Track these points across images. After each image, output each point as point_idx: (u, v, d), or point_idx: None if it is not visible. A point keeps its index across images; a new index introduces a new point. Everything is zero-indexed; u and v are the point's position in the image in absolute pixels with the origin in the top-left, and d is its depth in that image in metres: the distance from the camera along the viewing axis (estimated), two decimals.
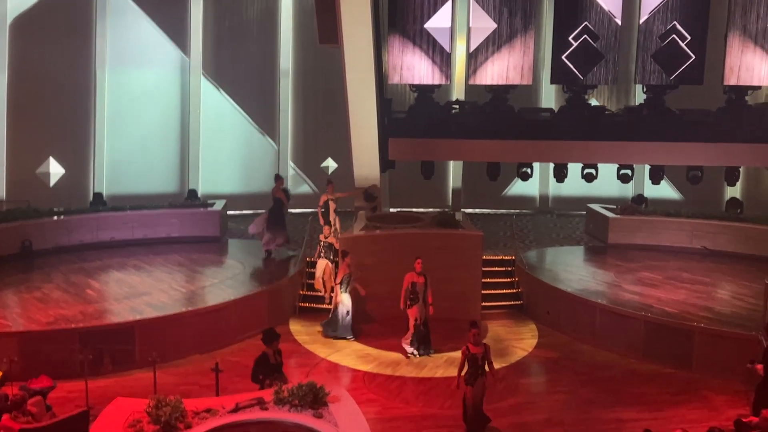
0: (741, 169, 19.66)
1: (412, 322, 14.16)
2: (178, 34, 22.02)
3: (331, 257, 16.24)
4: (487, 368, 11.20)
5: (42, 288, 15.56)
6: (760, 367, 10.88)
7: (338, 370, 13.75)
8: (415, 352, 14.22)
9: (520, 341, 15.25)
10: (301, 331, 15.52)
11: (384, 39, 17.91)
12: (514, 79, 17.75)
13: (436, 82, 17.98)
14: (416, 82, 18.08)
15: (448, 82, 18.17)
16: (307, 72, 23.04)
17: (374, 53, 17.17)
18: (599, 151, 18.22)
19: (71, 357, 12.49)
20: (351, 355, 14.47)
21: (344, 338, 15.07)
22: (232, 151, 22.88)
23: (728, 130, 17.74)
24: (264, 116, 22.97)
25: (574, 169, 19.18)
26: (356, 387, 12.87)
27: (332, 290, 15.67)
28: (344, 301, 15.11)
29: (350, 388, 12.07)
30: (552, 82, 19.06)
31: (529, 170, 19.33)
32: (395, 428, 11.24)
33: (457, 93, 21.54)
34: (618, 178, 19.31)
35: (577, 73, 17.57)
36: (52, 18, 20.77)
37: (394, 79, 18.01)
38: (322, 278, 16.26)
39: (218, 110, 22.65)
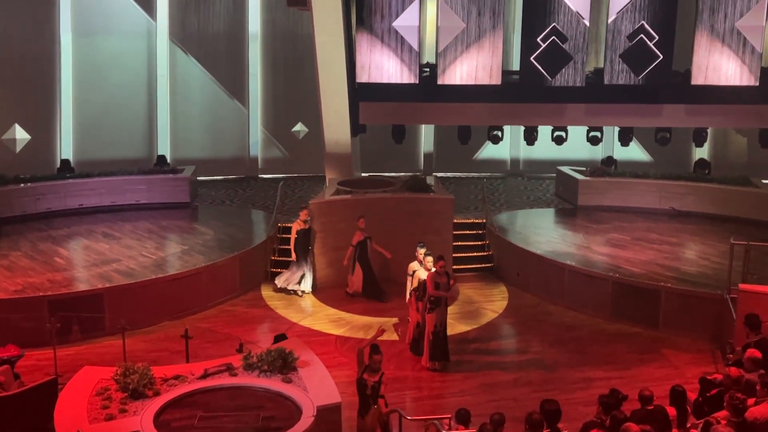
0: (709, 131, 19.81)
1: (430, 329, 12.41)
2: None
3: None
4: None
5: (9, 256, 15.40)
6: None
7: (310, 334, 13.78)
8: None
9: (491, 303, 15.38)
10: (273, 297, 15.55)
11: (352, 37, 17.65)
12: (483, 78, 17.47)
13: (405, 81, 17.64)
14: (385, 81, 17.70)
15: (417, 82, 17.92)
16: (276, 36, 22.74)
17: (343, 15, 16.99)
18: (569, 113, 18.22)
19: (39, 325, 12.33)
20: (323, 319, 14.53)
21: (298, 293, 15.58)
22: (201, 116, 22.61)
23: (697, 85, 17.76)
24: (233, 80, 22.67)
25: (544, 131, 19.21)
26: (328, 351, 12.93)
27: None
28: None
29: (322, 352, 12.09)
30: (520, 83, 18.74)
31: (499, 133, 19.33)
32: None
33: (428, 57, 21.38)
34: (588, 141, 19.38)
35: (545, 74, 17.45)
36: None
37: (363, 78, 17.63)
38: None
39: (186, 75, 22.32)
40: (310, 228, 15.73)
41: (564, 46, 17.35)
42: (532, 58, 17.45)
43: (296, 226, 15.62)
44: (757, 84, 17.32)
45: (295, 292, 15.56)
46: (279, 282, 15.65)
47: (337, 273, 15.89)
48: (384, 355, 9.75)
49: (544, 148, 20.33)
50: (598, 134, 19.12)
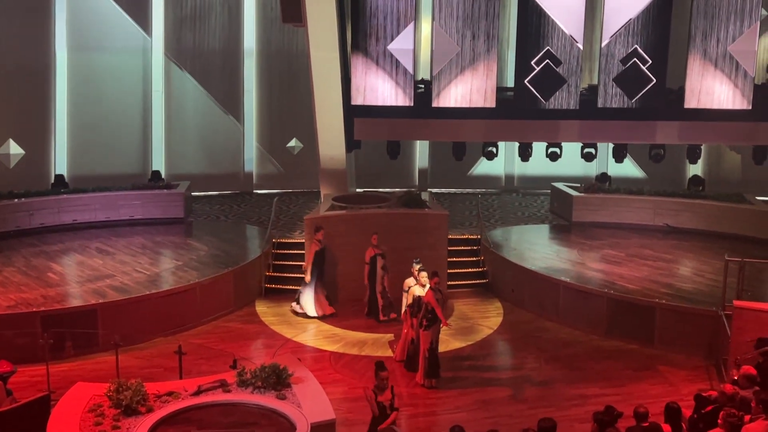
0: (702, 147, 19.89)
1: (425, 346, 12.36)
2: (139, 13, 21.65)
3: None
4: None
5: (2, 271, 15.32)
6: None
7: (304, 350, 13.74)
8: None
9: (486, 319, 15.35)
10: (268, 312, 15.49)
11: (347, 54, 17.73)
12: (478, 101, 17.57)
13: (400, 103, 17.71)
14: (380, 103, 17.78)
15: (412, 104, 17.98)
16: (271, 52, 22.80)
17: (338, 31, 17.06)
18: (563, 129, 18.28)
19: (32, 341, 12.31)
20: (317, 335, 14.47)
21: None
22: (196, 132, 22.63)
23: (690, 108, 17.86)
24: (228, 96, 22.72)
25: (539, 148, 19.28)
26: (322, 367, 12.88)
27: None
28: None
29: (316, 368, 12.07)
30: (514, 105, 18.80)
31: (494, 149, 19.39)
32: (361, 408, 11.21)
33: (423, 73, 21.49)
34: (582, 157, 19.44)
35: (539, 97, 17.56)
36: None
37: (358, 100, 17.67)
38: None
39: (181, 91, 22.36)
40: (324, 248, 15.46)
41: (558, 70, 17.45)
42: (526, 81, 17.53)
43: (314, 248, 15.23)
44: (750, 108, 17.41)
45: (323, 316, 15.21)
46: (298, 309, 15.31)
47: (330, 289, 15.83)
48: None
49: (538, 164, 20.39)
50: (593, 151, 19.20)
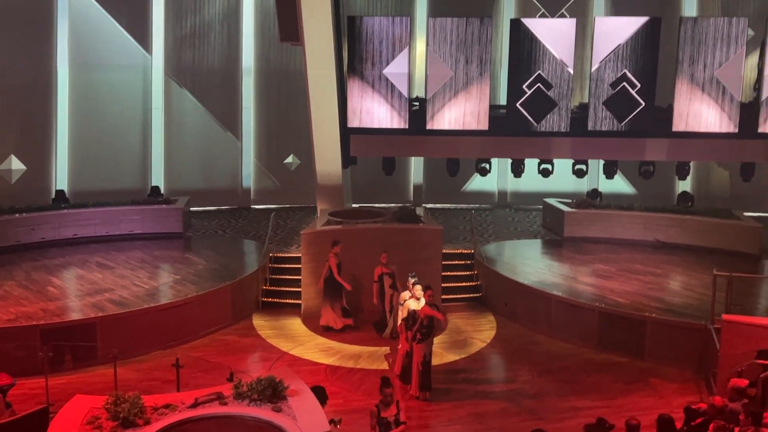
0: (691, 164, 20.11)
1: (419, 359, 12.58)
2: (140, 32, 21.95)
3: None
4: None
5: (3, 285, 15.51)
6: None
7: (300, 363, 13.88)
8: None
9: (479, 333, 15.53)
10: (264, 326, 15.67)
11: (344, 72, 18.02)
12: (471, 124, 17.84)
13: (395, 126, 18.00)
14: (375, 126, 18.06)
15: (407, 127, 18.26)
16: (269, 70, 23.10)
17: (335, 49, 17.33)
18: (555, 146, 18.52)
19: (32, 354, 12.49)
20: (313, 348, 14.63)
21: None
22: (195, 148, 22.88)
23: (678, 131, 18.04)
24: (227, 113, 22.99)
25: (531, 164, 19.49)
26: (318, 380, 12.97)
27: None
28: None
29: (312, 381, 12.16)
30: (507, 127, 19.13)
31: (487, 166, 19.60)
32: (357, 420, 11.36)
33: (417, 91, 21.75)
34: (573, 173, 19.64)
35: (531, 120, 17.84)
36: (13, 16, 20.52)
37: (354, 123, 17.96)
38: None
39: (181, 108, 22.63)
40: (340, 261, 15.46)
41: (549, 93, 17.74)
42: (518, 104, 17.80)
43: (334, 261, 15.30)
44: (737, 131, 17.63)
45: (350, 327, 15.41)
46: (325, 323, 15.47)
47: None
48: (375, 385, 9.88)
49: (530, 180, 20.57)
50: (584, 167, 19.39)
